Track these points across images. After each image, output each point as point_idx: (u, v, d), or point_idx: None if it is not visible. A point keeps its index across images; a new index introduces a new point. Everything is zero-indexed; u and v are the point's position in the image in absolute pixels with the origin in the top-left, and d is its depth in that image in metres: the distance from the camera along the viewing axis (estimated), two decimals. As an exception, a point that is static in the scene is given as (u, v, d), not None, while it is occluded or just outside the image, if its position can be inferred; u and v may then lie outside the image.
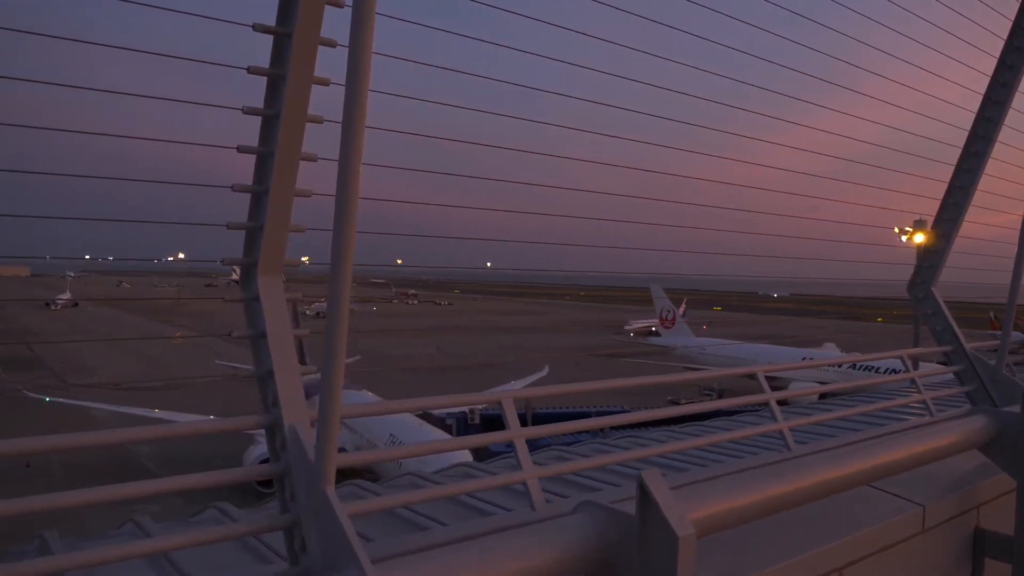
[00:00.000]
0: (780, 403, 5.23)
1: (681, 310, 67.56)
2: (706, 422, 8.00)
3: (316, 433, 2.46)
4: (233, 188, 2.85)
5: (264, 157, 2.85)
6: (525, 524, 2.85)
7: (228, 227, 2.90)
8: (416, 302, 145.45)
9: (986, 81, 6.75)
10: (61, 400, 38.64)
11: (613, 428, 6.40)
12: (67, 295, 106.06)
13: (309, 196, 3.00)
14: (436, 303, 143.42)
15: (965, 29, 6.79)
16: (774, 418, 4.98)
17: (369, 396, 35.71)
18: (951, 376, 7.22)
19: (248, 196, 2.97)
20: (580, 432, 5.31)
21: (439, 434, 28.00)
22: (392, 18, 4.28)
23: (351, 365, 50.31)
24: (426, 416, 30.57)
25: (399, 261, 7.16)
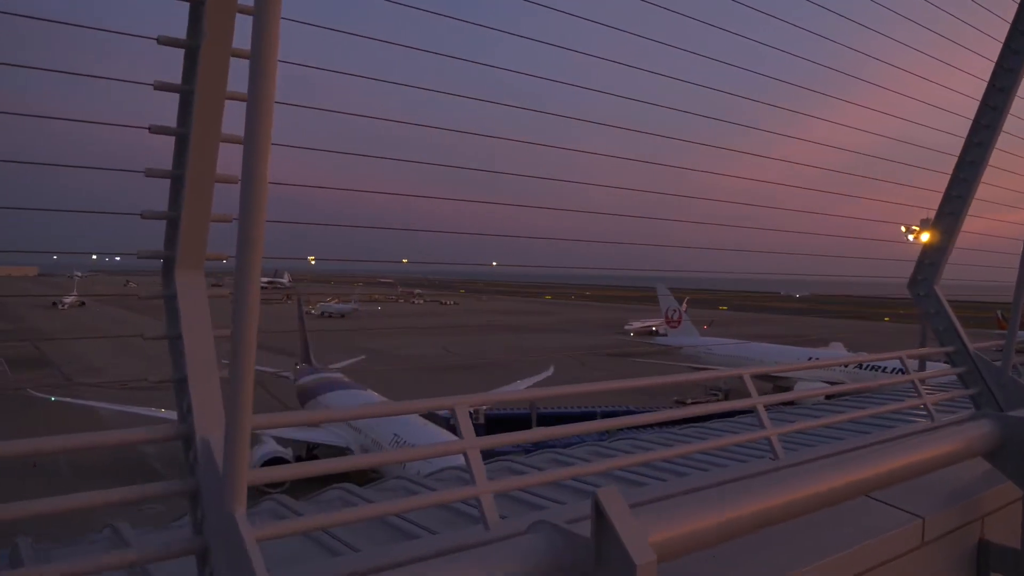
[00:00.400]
0: (786, 404, 4.94)
1: (683, 308, 67.13)
2: (707, 423, 7.77)
3: (224, 447, 2.18)
4: (147, 173, 2.57)
5: (181, 139, 2.57)
6: (472, 546, 2.57)
7: (143, 216, 2.62)
8: (421, 301, 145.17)
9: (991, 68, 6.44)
10: (67, 400, 38.54)
11: (578, 436, 6.18)
12: (74, 294, 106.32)
13: (236, 183, 2.72)
14: (441, 303, 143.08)
15: (975, 14, 6.53)
16: (762, 424, 4.68)
17: (374, 396, 35.46)
18: (955, 378, 6.90)
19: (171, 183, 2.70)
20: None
21: (445, 434, 27.70)
22: (398, 4, 4.07)
23: (355, 365, 50.17)
24: (431, 416, 30.32)
25: (405, 260, 7.14)
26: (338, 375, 40.57)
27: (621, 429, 7.24)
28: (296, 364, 44.19)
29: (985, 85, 6.44)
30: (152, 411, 35.31)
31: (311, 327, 51.61)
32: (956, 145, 6.77)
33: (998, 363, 6.46)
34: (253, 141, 1.98)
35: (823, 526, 4.05)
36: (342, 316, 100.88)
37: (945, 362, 7.04)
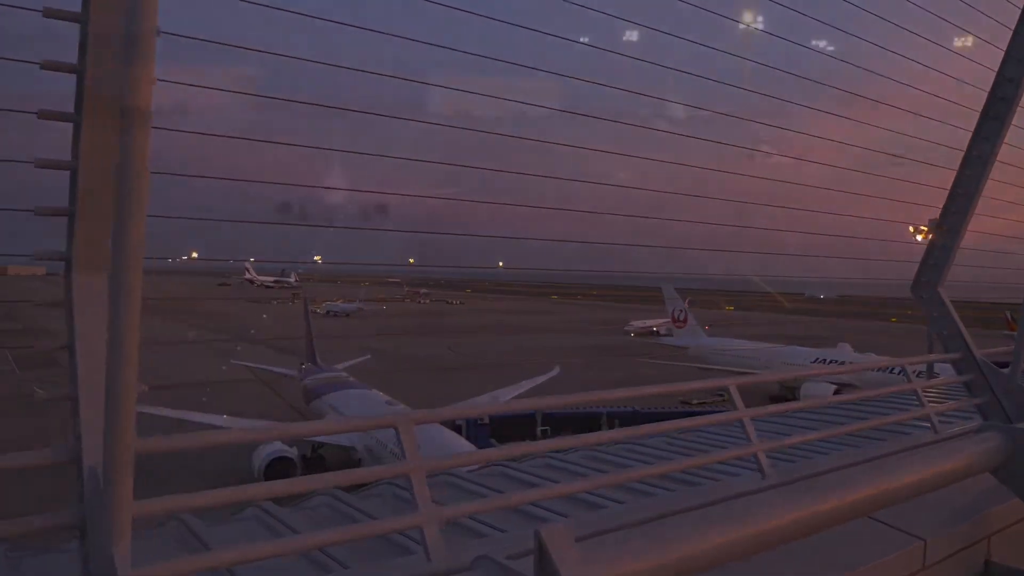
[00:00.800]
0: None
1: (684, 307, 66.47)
2: (705, 429, 7.51)
3: (102, 475, 1.89)
4: (36, 164, 2.28)
5: (76, 125, 2.28)
6: None
7: (36, 212, 2.33)
8: (428, 301, 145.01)
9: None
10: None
11: (557, 451, 6.03)
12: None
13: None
14: (448, 302, 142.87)
15: (983, 1, 6.25)
16: (748, 439, 4.36)
17: (379, 396, 35.14)
18: (961, 386, 6.54)
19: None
20: (490, 463, 4.95)
21: (448, 435, 27.41)
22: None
23: (360, 364, 49.88)
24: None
25: (411, 260, 7.07)
26: (343, 375, 40.22)
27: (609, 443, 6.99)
28: (301, 364, 43.95)
29: (993, 70, 6.11)
30: (157, 411, 34.94)
31: (316, 327, 51.48)
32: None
33: (1007, 370, 6.11)
34: (130, 120, 1.68)
35: (814, 549, 3.73)
36: (347, 315, 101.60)
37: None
